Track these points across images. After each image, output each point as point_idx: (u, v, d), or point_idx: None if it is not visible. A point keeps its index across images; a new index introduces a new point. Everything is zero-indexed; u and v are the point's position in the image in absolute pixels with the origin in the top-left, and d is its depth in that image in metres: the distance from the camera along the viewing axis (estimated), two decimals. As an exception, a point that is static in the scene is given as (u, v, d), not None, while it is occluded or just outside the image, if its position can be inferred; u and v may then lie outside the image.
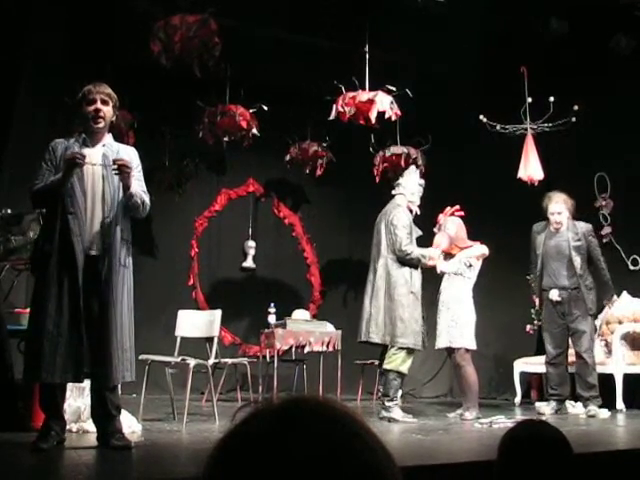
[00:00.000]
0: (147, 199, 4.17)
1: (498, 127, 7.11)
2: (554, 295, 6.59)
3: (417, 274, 6.01)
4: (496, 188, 8.26)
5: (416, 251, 5.96)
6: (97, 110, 4.05)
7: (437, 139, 8.26)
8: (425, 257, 6.00)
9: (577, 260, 6.52)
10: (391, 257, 5.97)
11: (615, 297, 6.85)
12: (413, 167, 6.63)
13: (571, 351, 6.70)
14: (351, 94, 6.88)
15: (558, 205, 6.65)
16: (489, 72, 7.96)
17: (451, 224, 6.49)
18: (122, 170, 3.94)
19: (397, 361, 5.86)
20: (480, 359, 8.16)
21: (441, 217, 6.52)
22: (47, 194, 3.98)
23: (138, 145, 4.43)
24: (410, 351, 5.90)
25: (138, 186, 4.13)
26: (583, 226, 6.67)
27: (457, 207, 6.55)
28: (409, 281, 5.92)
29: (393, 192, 6.29)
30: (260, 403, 0.82)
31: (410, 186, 6.23)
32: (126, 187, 4.00)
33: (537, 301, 6.96)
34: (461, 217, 6.57)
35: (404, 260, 5.95)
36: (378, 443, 0.80)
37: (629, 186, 7.85)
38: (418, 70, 7.96)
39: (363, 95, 6.85)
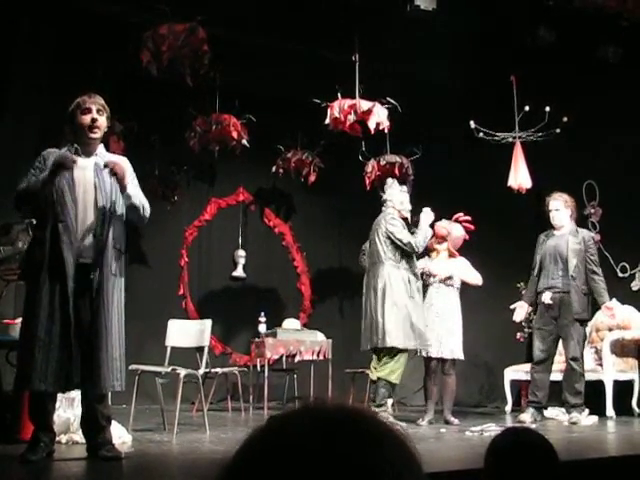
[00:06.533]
0: (147, 204, 4.20)
1: (481, 134, 7.13)
2: (546, 298, 6.54)
3: (414, 280, 6.15)
4: (486, 197, 8.28)
5: (421, 241, 6.18)
6: (94, 120, 4.04)
7: (426, 148, 8.28)
8: (427, 236, 6.26)
9: (572, 262, 6.47)
10: (390, 264, 6.10)
11: (609, 303, 6.53)
12: (389, 180, 6.78)
13: (561, 358, 6.71)
14: (349, 102, 6.89)
15: (556, 202, 6.66)
16: (478, 81, 7.99)
17: (461, 229, 6.74)
18: (115, 171, 3.96)
19: (386, 370, 6.00)
20: (471, 367, 8.18)
21: (460, 216, 6.75)
22: (30, 193, 3.96)
23: (127, 154, 4.42)
24: (399, 360, 5.97)
25: (138, 191, 4.17)
26: (585, 232, 6.68)
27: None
28: (408, 286, 6.06)
29: (383, 208, 6.43)
30: (301, 408, 0.81)
31: (395, 197, 6.41)
32: (123, 188, 4.02)
33: (517, 311, 6.87)
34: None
35: (416, 253, 6.19)
36: (415, 452, 0.80)
37: (617, 194, 7.89)
38: (407, 78, 7.98)
39: (364, 104, 6.86)
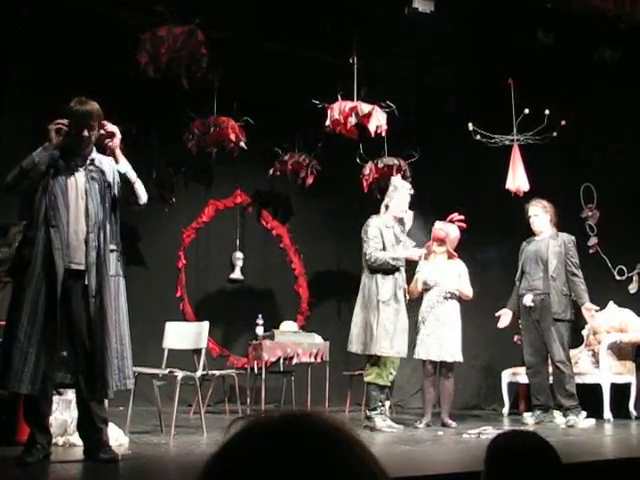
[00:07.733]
0: (143, 187, 4.22)
1: (478, 137, 7.13)
2: (527, 300, 6.59)
3: (389, 283, 6.02)
4: (484, 199, 8.28)
5: (382, 255, 6.02)
6: (82, 139, 4.04)
7: (423, 150, 8.28)
8: (398, 259, 6.05)
9: (553, 263, 6.52)
10: (365, 268, 6.13)
11: (589, 304, 6.46)
12: (393, 183, 6.65)
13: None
14: (350, 104, 6.89)
15: (534, 208, 6.74)
16: (476, 83, 8.00)
17: (457, 229, 6.71)
18: (107, 136, 4.05)
19: (372, 374, 6.03)
20: (468, 370, 8.18)
21: (455, 216, 6.73)
22: (24, 169, 3.96)
23: (125, 155, 4.40)
24: (383, 362, 5.98)
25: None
26: (565, 236, 6.71)
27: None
28: (380, 290, 6.01)
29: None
30: (254, 417, 0.81)
31: (392, 203, 6.32)
32: (115, 158, 4.09)
33: (502, 318, 6.86)
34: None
35: (377, 268, 6.03)
36: (371, 458, 0.80)
37: (615, 197, 7.89)
38: (405, 81, 7.98)
39: (364, 107, 6.86)
